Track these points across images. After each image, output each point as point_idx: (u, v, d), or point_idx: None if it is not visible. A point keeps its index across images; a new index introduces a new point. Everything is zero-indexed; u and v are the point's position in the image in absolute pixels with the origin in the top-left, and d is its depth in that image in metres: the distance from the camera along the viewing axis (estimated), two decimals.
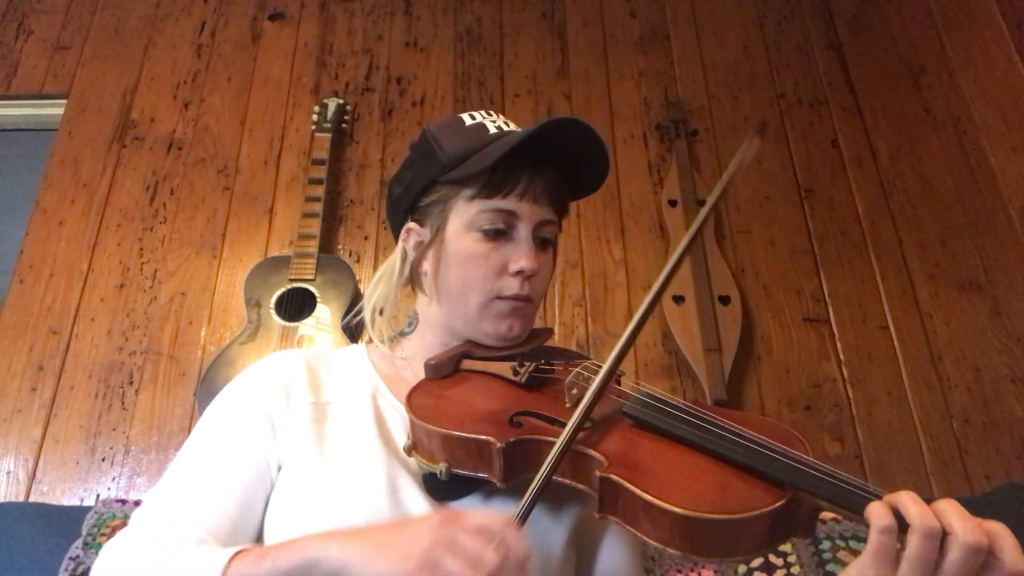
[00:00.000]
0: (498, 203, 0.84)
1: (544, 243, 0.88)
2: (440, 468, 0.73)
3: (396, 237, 0.94)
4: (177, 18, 2.37)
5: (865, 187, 2.09)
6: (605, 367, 0.73)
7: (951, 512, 0.58)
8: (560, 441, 0.67)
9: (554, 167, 0.86)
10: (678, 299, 1.86)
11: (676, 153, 2.08)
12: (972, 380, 1.80)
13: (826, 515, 1.44)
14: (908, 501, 0.58)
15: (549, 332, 0.93)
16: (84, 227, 2.04)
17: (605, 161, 0.86)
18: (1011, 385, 1.78)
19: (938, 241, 1.98)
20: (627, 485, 0.64)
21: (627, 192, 2.09)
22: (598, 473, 0.66)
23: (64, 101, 2.23)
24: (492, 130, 0.87)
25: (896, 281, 1.95)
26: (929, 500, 0.59)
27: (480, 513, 0.64)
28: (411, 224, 0.90)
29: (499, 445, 0.70)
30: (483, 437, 0.71)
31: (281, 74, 2.28)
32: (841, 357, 1.86)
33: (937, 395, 1.79)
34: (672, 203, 2.01)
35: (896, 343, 1.87)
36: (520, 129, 0.88)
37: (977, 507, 0.59)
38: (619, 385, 0.84)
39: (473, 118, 0.89)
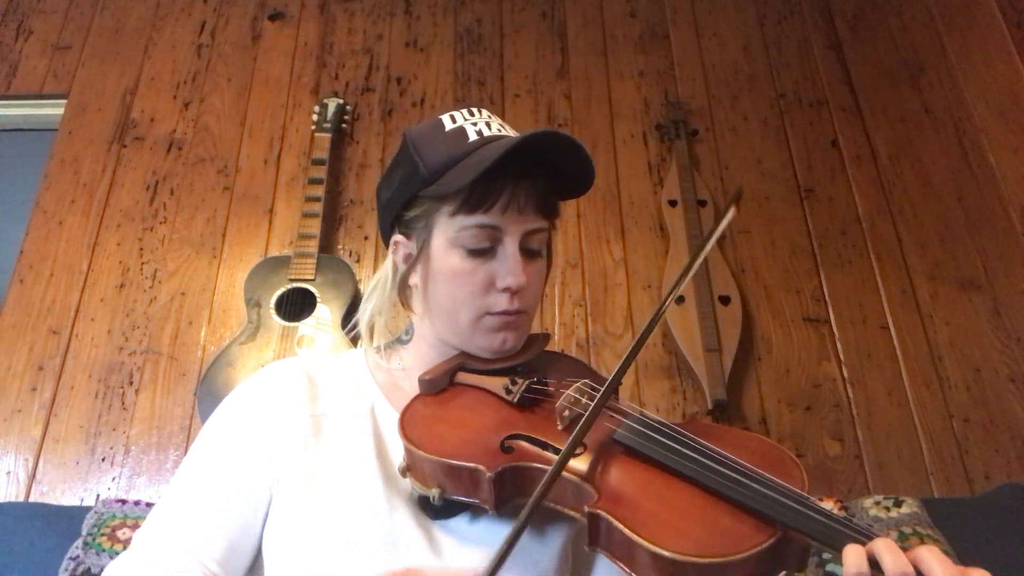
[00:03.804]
0: (480, 219, 0.81)
1: (532, 252, 0.86)
2: (433, 493, 0.73)
3: (386, 243, 0.93)
4: (177, 18, 2.37)
5: (865, 187, 2.09)
6: (598, 397, 0.72)
7: (930, 560, 0.56)
8: (539, 490, 0.65)
9: (539, 172, 0.83)
10: (678, 299, 1.86)
11: (676, 153, 2.08)
12: (972, 380, 1.80)
13: None
14: (883, 549, 0.57)
15: (546, 338, 0.93)
16: (84, 227, 2.04)
17: (589, 167, 0.83)
18: (1011, 385, 1.78)
19: (938, 241, 1.98)
20: (616, 523, 0.64)
21: (627, 192, 2.09)
22: (587, 508, 0.66)
23: (64, 101, 2.22)
24: (472, 136, 0.84)
25: (896, 281, 1.94)
26: (906, 548, 0.58)
27: (442, 572, 0.65)
28: (398, 237, 0.89)
29: (489, 475, 0.70)
30: (474, 465, 0.71)
31: (281, 74, 2.28)
32: (841, 357, 1.86)
33: (937, 395, 1.79)
34: (672, 203, 2.01)
35: (896, 343, 1.87)
36: (502, 129, 0.86)
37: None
38: (615, 404, 0.81)
39: (454, 120, 0.86)
